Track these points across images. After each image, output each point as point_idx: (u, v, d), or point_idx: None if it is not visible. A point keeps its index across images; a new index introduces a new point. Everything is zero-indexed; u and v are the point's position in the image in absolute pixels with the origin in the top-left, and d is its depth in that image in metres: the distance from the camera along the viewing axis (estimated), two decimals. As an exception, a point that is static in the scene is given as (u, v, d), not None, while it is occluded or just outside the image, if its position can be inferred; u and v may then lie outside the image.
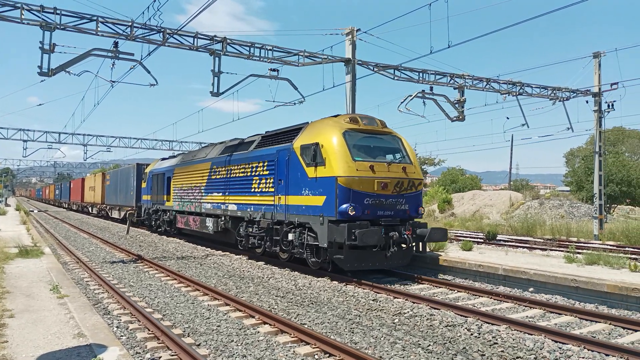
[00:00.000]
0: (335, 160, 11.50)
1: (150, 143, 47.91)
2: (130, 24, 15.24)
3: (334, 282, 11.56)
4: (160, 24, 15.38)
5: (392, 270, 12.68)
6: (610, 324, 8.17)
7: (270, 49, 18.04)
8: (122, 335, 7.16)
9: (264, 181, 14.34)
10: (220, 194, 17.18)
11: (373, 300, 9.72)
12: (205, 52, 16.63)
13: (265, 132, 15.99)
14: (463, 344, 6.90)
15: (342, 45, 19.24)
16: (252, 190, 14.94)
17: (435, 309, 8.97)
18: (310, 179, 12.16)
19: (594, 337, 7.39)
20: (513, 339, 7.14)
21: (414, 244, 12.18)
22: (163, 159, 27.57)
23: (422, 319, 8.28)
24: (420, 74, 21.41)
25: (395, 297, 9.96)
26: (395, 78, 20.89)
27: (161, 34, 15.78)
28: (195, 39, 16.56)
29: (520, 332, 7.54)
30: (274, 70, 18.11)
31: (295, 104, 19.98)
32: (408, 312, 8.72)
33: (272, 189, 13.81)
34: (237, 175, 15.96)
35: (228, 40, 16.98)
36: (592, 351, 6.70)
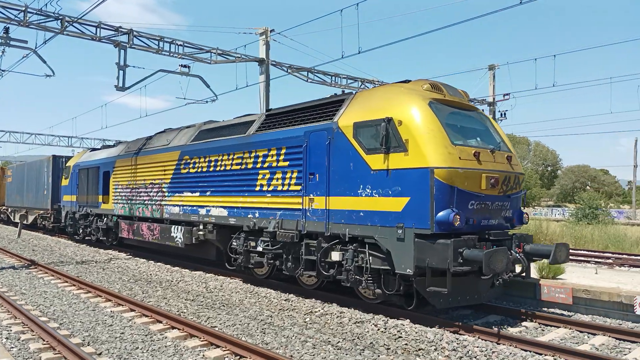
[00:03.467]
0: (427, 144, 7.63)
1: (47, 139, 45.39)
2: (23, 8, 14.45)
3: (247, 283, 11.31)
4: (58, 10, 14.87)
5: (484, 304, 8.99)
6: None
7: (181, 45, 17.74)
8: (12, 347, 6.76)
9: (279, 176, 10.12)
10: (197, 193, 12.60)
11: (285, 300, 9.66)
12: (110, 44, 16.05)
13: (267, 110, 11.70)
14: (370, 339, 7.14)
15: (256, 44, 19.46)
16: (258, 188, 10.64)
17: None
18: (376, 173, 8.20)
19: None
20: (416, 332, 7.38)
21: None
22: (93, 150, 21.95)
23: (333, 316, 8.40)
24: (333, 78, 22.12)
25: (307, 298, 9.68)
26: (309, 80, 21.28)
27: (59, 21, 15.08)
28: (99, 29, 15.90)
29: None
30: (185, 66, 17.93)
31: (207, 102, 19.70)
32: (319, 310, 8.78)
33: (297, 187, 9.65)
34: (229, 168, 11.53)
35: (135, 33, 16.39)
36: None
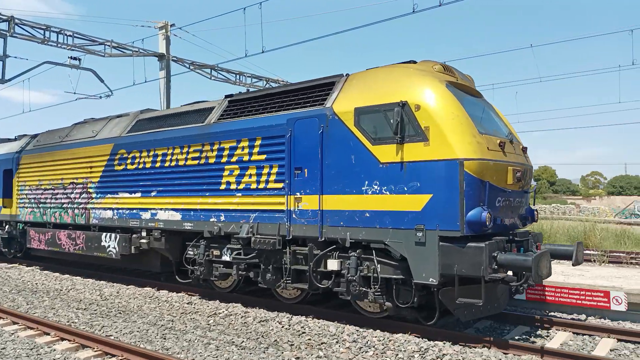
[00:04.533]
0: (453, 132, 6.56)
1: None
2: None
3: (146, 287, 10.82)
4: None
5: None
6: None
7: (70, 35, 16.77)
8: None
9: (253, 172, 8.57)
10: (138, 194, 10.60)
11: (188, 303, 9.37)
12: (-14, 32, 15.01)
13: (226, 96, 10.07)
14: (275, 337, 7.17)
15: (155, 39, 19.06)
16: (224, 187, 8.99)
17: None
18: (386, 166, 7.00)
19: None
20: (319, 327, 7.52)
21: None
22: (-14, 144, 18.51)
23: (237, 317, 8.30)
24: (238, 76, 21.94)
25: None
26: (212, 78, 21.03)
27: None
28: (-28, 14, 14.98)
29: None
30: (75, 58, 17.21)
31: (101, 97, 19.03)
32: (223, 311, 8.65)
33: (279, 185, 8.18)
34: (182, 163, 9.72)
35: (17, 20, 15.43)
36: None
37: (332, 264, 7.52)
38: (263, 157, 8.44)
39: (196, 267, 9.46)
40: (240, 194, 8.73)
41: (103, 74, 17.06)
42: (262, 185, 8.43)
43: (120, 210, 10.98)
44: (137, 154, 10.63)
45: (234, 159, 8.84)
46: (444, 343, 6.70)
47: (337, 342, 6.91)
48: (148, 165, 10.39)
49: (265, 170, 8.39)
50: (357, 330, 7.29)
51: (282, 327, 7.68)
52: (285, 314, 8.23)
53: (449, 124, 6.58)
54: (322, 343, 6.87)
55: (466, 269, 6.35)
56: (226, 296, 9.59)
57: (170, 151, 9.96)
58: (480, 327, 7.80)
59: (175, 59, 19.74)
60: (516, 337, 7.15)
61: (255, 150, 8.54)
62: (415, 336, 6.99)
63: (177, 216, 9.76)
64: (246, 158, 8.67)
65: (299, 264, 7.93)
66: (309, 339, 7.03)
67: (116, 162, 11.13)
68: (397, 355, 6.37)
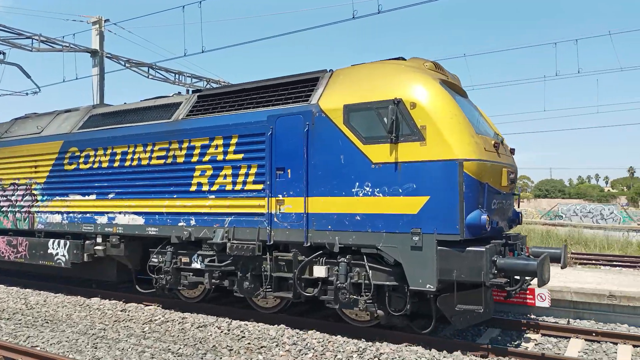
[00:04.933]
0: (452, 131, 6.30)
1: None
2: None
3: (76, 296, 10.19)
4: None
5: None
6: None
7: None
8: None
9: (228, 172, 7.97)
10: (92, 196, 9.67)
11: (121, 310, 8.94)
12: None
13: (194, 91, 9.40)
14: (213, 342, 7.04)
15: (88, 34, 18.50)
16: (194, 189, 8.32)
17: None
18: (378, 167, 6.65)
19: None
20: (259, 331, 7.40)
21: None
22: None
23: (174, 323, 8.06)
24: (177, 76, 21.29)
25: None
26: (150, 77, 20.24)
27: None
28: None
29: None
30: None
31: (27, 94, 18.40)
32: (159, 318, 8.34)
33: (258, 187, 7.64)
34: (145, 163, 8.95)
35: None
36: None
37: (319, 271, 7.07)
38: (240, 156, 7.87)
39: (161, 276, 8.71)
40: (213, 196, 8.10)
41: (30, 70, 16.02)
42: (238, 187, 7.86)
43: (71, 214, 10.00)
44: (92, 152, 9.71)
45: (206, 158, 8.20)
46: (382, 343, 6.78)
47: (277, 345, 6.82)
48: (105, 165, 9.51)
49: (243, 171, 7.83)
50: (297, 333, 7.20)
51: (222, 332, 7.49)
52: (225, 319, 8.02)
53: (447, 123, 6.33)
54: (261, 347, 6.77)
55: (466, 275, 6.12)
56: (197, 307, 8.91)
57: (131, 149, 9.14)
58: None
59: (109, 55, 18.91)
60: (449, 334, 7.44)
61: (231, 149, 7.96)
62: (353, 337, 7.00)
63: (140, 220, 8.97)
64: (220, 157, 8.06)
65: (281, 271, 7.42)
66: (249, 343, 6.90)
67: (66, 161, 10.13)
68: (336, 356, 6.38)
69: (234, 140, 7.94)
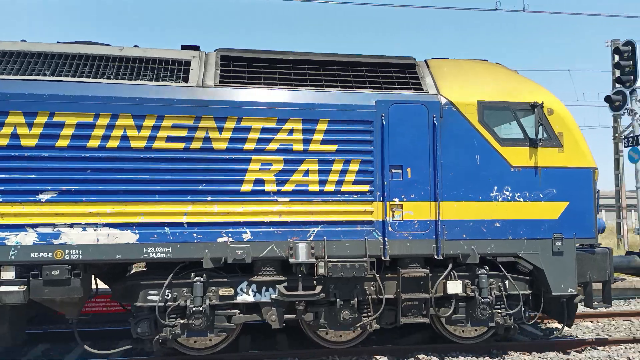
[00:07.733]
0: (583, 140, 6.60)
1: None
2: None
3: None
4: None
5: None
6: None
7: None
8: None
9: (313, 167, 5.95)
10: (34, 196, 5.45)
11: None
12: None
13: (217, 50, 6.59)
14: None
15: None
16: (249, 188, 5.81)
17: None
18: (518, 171, 6.31)
19: None
20: None
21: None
22: None
23: None
24: None
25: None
26: None
27: None
28: None
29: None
30: None
31: None
32: None
33: (363, 188, 6.00)
34: (141, 146, 5.68)
35: None
36: None
37: (454, 287, 6.08)
38: (333, 147, 6.00)
39: (171, 322, 5.64)
40: (286, 199, 5.87)
41: None
42: (330, 187, 5.96)
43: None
44: (42, 121, 5.50)
45: (273, 146, 5.90)
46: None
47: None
48: (33, 144, 5.54)
49: (337, 167, 6.00)
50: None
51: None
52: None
53: (578, 132, 6.59)
54: None
55: (596, 275, 6.49)
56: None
57: (104, 122, 5.66)
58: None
59: None
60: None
61: (317, 137, 5.98)
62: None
63: (127, 237, 5.61)
64: (299, 147, 5.94)
65: (410, 291, 6.00)
66: None
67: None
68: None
69: (321, 126, 6.00)
